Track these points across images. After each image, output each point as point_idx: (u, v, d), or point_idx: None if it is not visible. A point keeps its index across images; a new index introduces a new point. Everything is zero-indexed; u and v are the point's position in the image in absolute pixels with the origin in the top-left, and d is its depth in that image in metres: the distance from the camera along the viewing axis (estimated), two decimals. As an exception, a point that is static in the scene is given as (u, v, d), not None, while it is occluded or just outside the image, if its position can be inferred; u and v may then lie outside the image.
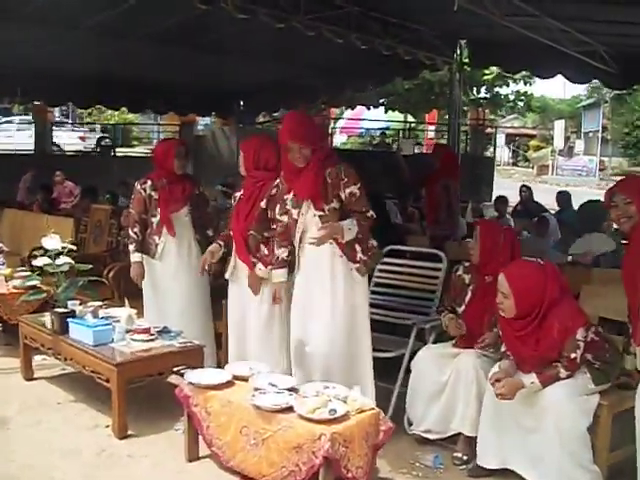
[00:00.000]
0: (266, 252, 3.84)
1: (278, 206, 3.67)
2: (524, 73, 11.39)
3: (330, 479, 2.85)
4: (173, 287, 4.50)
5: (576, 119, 29.98)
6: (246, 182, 3.96)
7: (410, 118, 17.43)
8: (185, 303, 4.49)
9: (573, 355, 3.06)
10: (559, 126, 28.76)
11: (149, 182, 4.50)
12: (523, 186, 9.05)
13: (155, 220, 4.50)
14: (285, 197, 3.62)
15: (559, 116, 30.25)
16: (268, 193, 3.77)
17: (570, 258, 4.75)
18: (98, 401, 4.03)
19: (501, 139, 21.48)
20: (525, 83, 12.92)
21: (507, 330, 3.23)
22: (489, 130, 15.61)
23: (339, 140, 19.75)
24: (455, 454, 3.51)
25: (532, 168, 29.81)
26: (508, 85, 12.67)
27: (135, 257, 4.49)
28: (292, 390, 3.22)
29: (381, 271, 4.62)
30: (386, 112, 14.86)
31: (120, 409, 3.62)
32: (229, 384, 3.32)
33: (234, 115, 12.73)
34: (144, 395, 3.99)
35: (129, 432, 3.67)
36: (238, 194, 4.04)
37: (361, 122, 17.72)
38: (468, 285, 3.72)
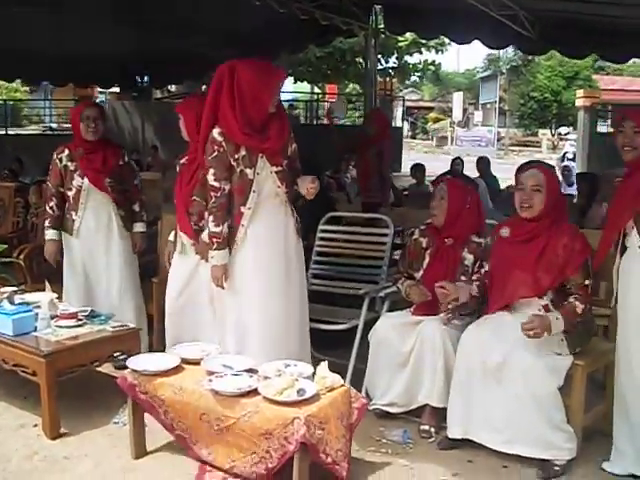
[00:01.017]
0: None
1: (214, 170, 3.15)
2: (437, 41, 11.40)
3: (305, 465, 2.59)
4: (95, 266, 4.08)
5: (473, 91, 30.80)
6: (190, 147, 3.55)
7: (320, 91, 17.25)
8: (112, 283, 4.07)
9: (587, 282, 2.97)
10: (457, 98, 29.46)
11: (66, 151, 4.04)
12: (457, 158, 9.17)
13: (71, 194, 4.04)
14: (236, 156, 3.16)
15: (457, 88, 30.95)
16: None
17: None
18: (20, 398, 3.58)
19: (398, 112, 21.70)
20: (437, 51, 12.93)
21: (505, 251, 3.11)
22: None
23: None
24: (422, 427, 3.33)
25: (431, 140, 30.45)
26: (421, 53, 12.63)
27: (48, 234, 4.07)
28: (250, 371, 2.92)
29: (323, 239, 4.37)
30: (295, 83, 14.51)
31: (51, 405, 3.19)
32: (178, 369, 2.97)
33: (137, 88, 12.01)
34: (73, 388, 3.56)
35: (62, 430, 3.26)
36: (182, 160, 3.63)
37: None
38: (426, 249, 3.52)
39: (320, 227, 4.37)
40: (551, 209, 3.05)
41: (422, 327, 3.34)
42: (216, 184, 3.17)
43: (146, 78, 11.78)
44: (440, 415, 3.30)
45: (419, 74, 14.16)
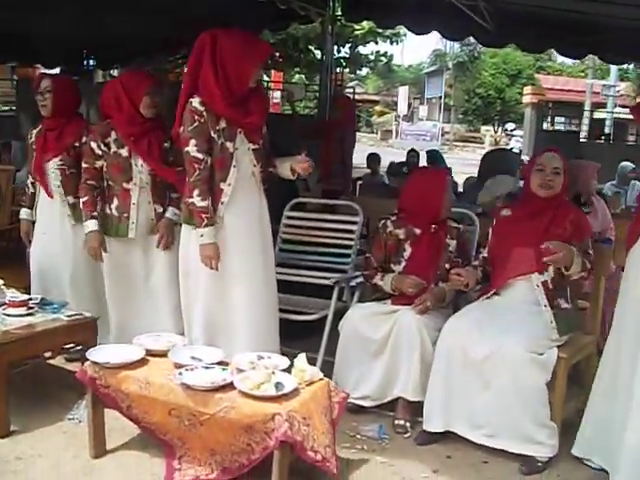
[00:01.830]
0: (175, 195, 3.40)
1: (196, 141, 2.94)
2: (392, 31, 11.28)
3: (285, 463, 2.42)
4: (50, 250, 3.79)
5: (419, 85, 31.01)
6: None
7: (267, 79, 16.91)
8: (62, 270, 3.80)
9: (590, 252, 3.02)
10: (403, 92, 29.62)
11: (39, 127, 3.80)
12: (412, 150, 9.16)
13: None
14: (217, 127, 2.96)
15: (402, 82, 31.10)
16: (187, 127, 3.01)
17: (480, 210, 4.61)
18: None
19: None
20: (392, 42, 12.85)
21: (509, 229, 3.14)
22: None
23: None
24: (397, 422, 3.20)
25: (376, 133, 30.52)
26: (377, 43, 12.55)
27: (21, 213, 3.93)
28: (221, 364, 2.74)
29: (288, 226, 4.19)
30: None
31: (1, 401, 2.92)
32: (143, 361, 2.75)
33: (84, 70, 11.47)
34: (21, 382, 3.30)
35: (11, 428, 2.99)
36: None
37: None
38: (405, 240, 3.39)
39: (285, 213, 4.19)
40: (563, 192, 3.14)
41: (398, 317, 3.21)
42: (199, 155, 2.96)
43: (92, 61, 11.28)
44: (414, 409, 3.20)
45: (371, 65, 13.99)
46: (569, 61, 31.56)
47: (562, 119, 21.50)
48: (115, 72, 13.82)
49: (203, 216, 2.97)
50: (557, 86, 25.68)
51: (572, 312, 3.04)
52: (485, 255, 3.27)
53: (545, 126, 16.19)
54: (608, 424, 2.75)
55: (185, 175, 3.07)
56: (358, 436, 3.10)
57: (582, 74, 27.79)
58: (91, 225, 3.43)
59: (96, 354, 2.77)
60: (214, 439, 2.55)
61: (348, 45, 11.46)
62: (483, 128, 29.65)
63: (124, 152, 3.42)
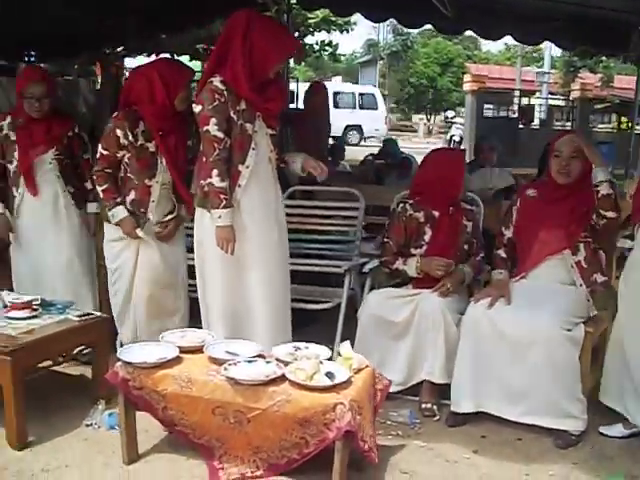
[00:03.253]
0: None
1: (216, 120, 2.83)
2: (344, 20, 11.23)
3: (346, 453, 2.36)
4: (41, 250, 3.57)
5: (352, 75, 31.10)
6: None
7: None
8: (60, 269, 3.59)
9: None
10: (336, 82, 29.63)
11: (8, 119, 3.50)
12: (389, 139, 9.12)
13: (12, 167, 3.52)
14: (237, 108, 2.87)
15: (335, 72, 31.13)
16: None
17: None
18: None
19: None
20: (342, 31, 12.78)
21: (535, 211, 3.12)
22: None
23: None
24: (424, 405, 3.19)
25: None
26: (329, 32, 12.39)
27: None
28: (261, 357, 2.64)
29: (288, 215, 4.09)
30: (190, 61, 13.65)
31: (18, 411, 2.72)
32: (178, 360, 2.62)
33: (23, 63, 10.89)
34: (30, 389, 3.09)
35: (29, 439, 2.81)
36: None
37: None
38: (425, 223, 3.35)
39: (284, 202, 4.09)
40: (584, 175, 3.05)
41: (420, 300, 3.20)
42: (219, 134, 2.84)
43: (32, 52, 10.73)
44: (438, 391, 3.19)
45: (316, 55, 13.90)
46: (494, 50, 32.52)
47: (491, 106, 22.02)
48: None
49: (221, 197, 2.85)
50: (484, 73, 26.29)
51: (608, 285, 3.08)
52: (510, 236, 3.27)
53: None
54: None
55: (199, 161, 2.96)
56: (389, 422, 3.06)
57: (508, 62, 28.60)
58: (121, 212, 3.21)
59: (127, 354, 2.63)
60: (261, 435, 2.46)
61: (296, 34, 11.30)
62: (417, 117, 30.05)
63: (151, 147, 3.22)
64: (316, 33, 11.98)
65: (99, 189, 3.23)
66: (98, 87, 12.25)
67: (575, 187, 3.10)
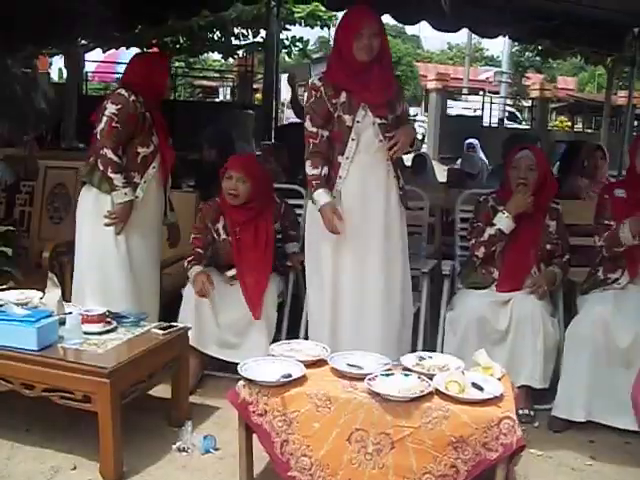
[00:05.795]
0: None
1: (311, 115, 2.94)
2: (330, 14, 10.94)
3: (503, 475, 2.21)
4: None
5: (302, 72, 30.77)
6: None
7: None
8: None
9: None
10: (285, 79, 29.35)
11: None
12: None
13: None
14: (334, 101, 2.90)
15: (283, 69, 30.75)
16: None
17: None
18: (40, 435, 2.75)
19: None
20: (322, 27, 12.47)
21: (631, 209, 3.00)
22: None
23: (93, 87, 17.02)
24: (521, 411, 3.03)
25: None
26: (313, 27, 12.07)
27: None
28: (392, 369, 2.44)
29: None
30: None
31: (115, 439, 2.43)
32: (304, 377, 2.38)
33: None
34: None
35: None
36: None
37: (117, 66, 15.19)
38: None
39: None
40: None
41: (516, 304, 3.08)
42: (313, 129, 2.94)
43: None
44: (532, 396, 3.09)
45: (287, 51, 13.62)
46: (436, 49, 33.00)
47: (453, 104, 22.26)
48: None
49: (313, 182, 2.91)
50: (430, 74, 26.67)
51: None
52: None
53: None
54: None
55: None
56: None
57: (450, 61, 29.08)
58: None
59: (250, 371, 2.37)
60: (402, 467, 2.20)
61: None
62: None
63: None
64: (299, 27, 11.72)
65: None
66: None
67: None
